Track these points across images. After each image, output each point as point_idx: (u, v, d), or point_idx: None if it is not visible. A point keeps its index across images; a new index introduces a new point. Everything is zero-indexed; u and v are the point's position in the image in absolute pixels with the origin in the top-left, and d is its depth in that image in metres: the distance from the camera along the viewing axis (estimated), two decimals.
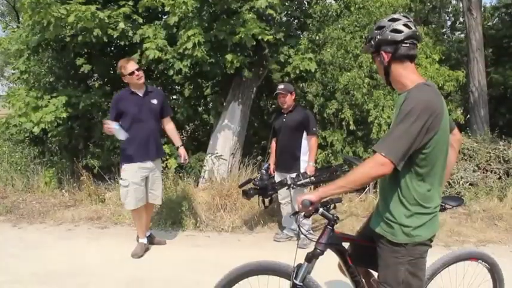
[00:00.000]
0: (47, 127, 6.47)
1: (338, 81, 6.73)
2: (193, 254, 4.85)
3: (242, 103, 7.15)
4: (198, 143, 8.50)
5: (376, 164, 2.01)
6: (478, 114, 9.23)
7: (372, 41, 2.24)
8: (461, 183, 6.77)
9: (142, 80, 4.60)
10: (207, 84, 8.57)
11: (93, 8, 5.95)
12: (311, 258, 2.37)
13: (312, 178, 4.74)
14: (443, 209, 2.56)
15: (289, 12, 8.03)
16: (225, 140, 6.98)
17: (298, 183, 4.68)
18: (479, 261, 2.88)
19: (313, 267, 2.39)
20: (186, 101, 7.81)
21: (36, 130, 6.43)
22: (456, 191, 6.70)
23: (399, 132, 2.00)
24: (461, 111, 9.43)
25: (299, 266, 2.38)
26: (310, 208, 2.20)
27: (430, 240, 2.22)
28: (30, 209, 6.50)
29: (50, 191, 7.18)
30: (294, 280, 2.33)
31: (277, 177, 5.13)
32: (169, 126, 4.98)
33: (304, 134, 5.11)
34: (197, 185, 6.68)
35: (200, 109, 8.79)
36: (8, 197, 7.02)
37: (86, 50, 7.07)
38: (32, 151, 8.02)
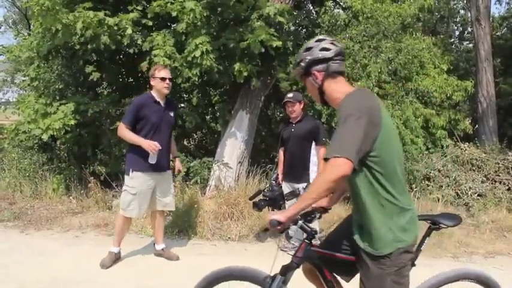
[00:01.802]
0: (55, 134, 6.51)
1: None
2: (199, 262, 4.82)
3: (250, 112, 7.16)
4: (206, 151, 8.52)
5: (333, 167, 1.95)
6: (486, 124, 9.18)
7: (302, 63, 2.32)
8: (469, 193, 6.72)
9: (168, 91, 4.59)
10: (215, 93, 8.60)
11: (101, 14, 6.00)
12: (285, 271, 2.38)
13: None
14: (437, 228, 2.51)
15: (297, 21, 8.06)
16: (233, 148, 6.99)
17: None
18: (472, 281, 2.73)
19: (290, 278, 2.40)
20: (194, 109, 7.83)
21: (45, 137, 6.45)
22: (464, 201, 6.66)
23: (343, 132, 2.00)
24: (470, 121, 9.40)
25: (274, 277, 2.39)
26: (279, 227, 2.20)
27: (413, 245, 2.21)
28: (38, 215, 6.52)
29: (58, 198, 7.21)
30: None
31: (285, 188, 5.09)
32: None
33: (313, 144, 5.07)
34: (204, 194, 6.67)
35: (208, 117, 8.82)
36: (16, 203, 7.06)
37: (95, 58, 7.13)
38: (40, 158, 8.05)
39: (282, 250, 5.24)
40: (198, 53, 5.89)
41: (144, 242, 5.39)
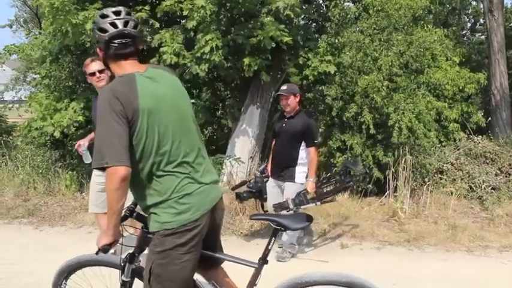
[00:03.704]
0: (64, 130, 6.57)
1: (357, 85, 6.68)
2: None
3: (261, 106, 7.15)
4: (217, 147, 8.52)
5: (109, 177, 1.93)
6: (500, 116, 9.05)
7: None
8: (483, 187, 6.65)
9: (102, 84, 4.14)
10: (226, 88, 8.59)
11: None
12: (132, 260, 2.44)
13: (318, 202, 4.54)
14: (281, 230, 2.48)
15: (307, 15, 8.00)
16: (244, 143, 6.98)
17: (302, 207, 4.46)
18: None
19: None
20: (204, 105, 7.83)
21: (57, 133, 6.52)
22: (478, 195, 6.59)
23: (102, 136, 1.96)
24: (483, 114, 9.29)
25: (125, 264, 2.46)
26: (112, 247, 2.16)
27: (184, 231, 2.10)
28: (52, 211, 6.59)
29: (71, 194, 7.27)
30: (122, 276, 2.49)
31: (272, 184, 4.91)
32: None
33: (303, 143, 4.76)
34: None
35: (218, 113, 8.80)
36: (30, 200, 7.13)
37: None
38: (53, 154, 8.12)
39: (279, 261, 4.95)
40: (207, 49, 5.88)
41: None
